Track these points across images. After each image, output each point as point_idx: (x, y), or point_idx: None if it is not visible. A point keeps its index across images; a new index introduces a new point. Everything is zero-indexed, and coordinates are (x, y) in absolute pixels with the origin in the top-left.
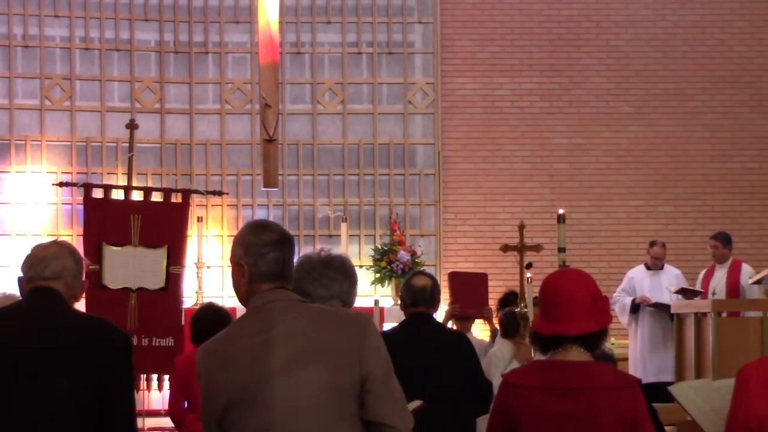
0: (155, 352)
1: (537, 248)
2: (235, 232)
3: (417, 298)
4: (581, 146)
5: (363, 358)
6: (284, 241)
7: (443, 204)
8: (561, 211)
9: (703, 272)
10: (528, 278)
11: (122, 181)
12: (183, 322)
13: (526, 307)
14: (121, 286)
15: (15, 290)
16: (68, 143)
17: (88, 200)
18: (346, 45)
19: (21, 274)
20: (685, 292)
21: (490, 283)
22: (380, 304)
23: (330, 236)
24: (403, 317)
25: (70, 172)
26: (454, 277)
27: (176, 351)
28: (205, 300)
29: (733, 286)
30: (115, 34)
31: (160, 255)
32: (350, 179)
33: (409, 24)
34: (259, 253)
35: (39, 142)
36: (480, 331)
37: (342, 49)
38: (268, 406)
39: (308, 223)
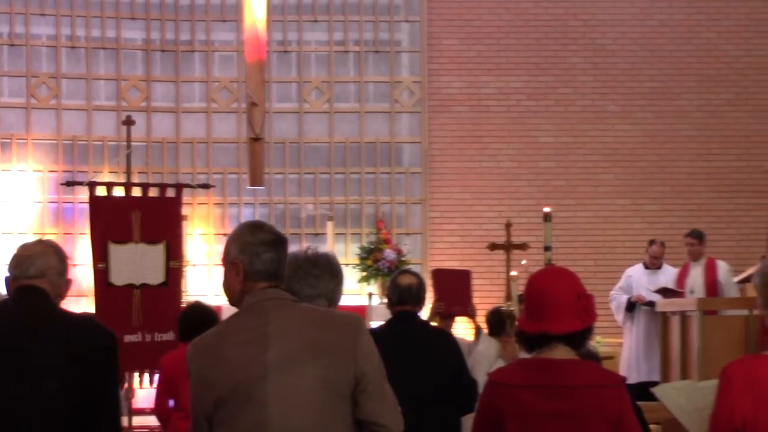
0: (159, 348)
1: (523, 247)
2: (221, 231)
3: (403, 296)
4: (568, 145)
5: (357, 359)
6: (279, 242)
7: (429, 202)
8: (547, 210)
9: (677, 271)
10: (513, 276)
11: (108, 179)
12: None
13: (512, 305)
14: (125, 283)
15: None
16: (54, 141)
17: (93, 199)
18: (332, 43)
19: (8, 274)
20: (665, 292)
21: (476, 281)
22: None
23: (316, 235)
24: (389, 316)
25: (56, 171)
26: (438, 275)
27: (176, 345)
28: (191, 298)
29: (712, 284)
30: (101, 32)
31: (160, 250)
32: (336, 178)
33: (396, 22)
34: (255, 252)
35: (25, 141)
36: (464, 329)
37: (329, 47)
38: (262, 404)
39: (294, 222)
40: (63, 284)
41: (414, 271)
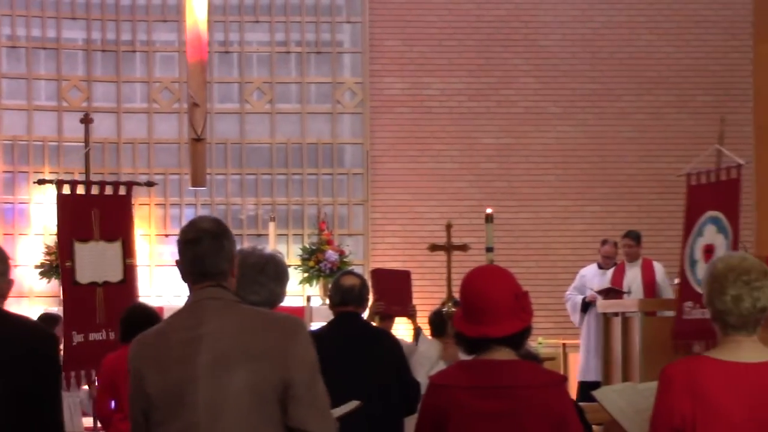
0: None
1: (464, 248)
2: (163, 232)
3: (345, 297)
4: (509, 146)
5: (287, 363)
6: (197, 239)
7: (371, 203)
8: (489, 211)
9: (611, 271)
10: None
11: (50, 179)
12: None
13: (453, 306)
14: (89, 281)
15: None
16: None
17: (60, 197)
18: (274, 44)
19: None
20: (608, 292)
21: (418, 282)
22: (311, 303)
23: (258, 236)
24: (331, 317)
25: None
26: (378, 275)
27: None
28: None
29: (650, 285)
30: (42, 32)
31: (118, 248)
32: (278, 178)
33: (338, 23)
34: (181, 251)
35: None
36: (403, 329)
37: (270, 48)
38: (193, 407)
39: (236, 223)
40: (4, 285)
41: (357, 272)
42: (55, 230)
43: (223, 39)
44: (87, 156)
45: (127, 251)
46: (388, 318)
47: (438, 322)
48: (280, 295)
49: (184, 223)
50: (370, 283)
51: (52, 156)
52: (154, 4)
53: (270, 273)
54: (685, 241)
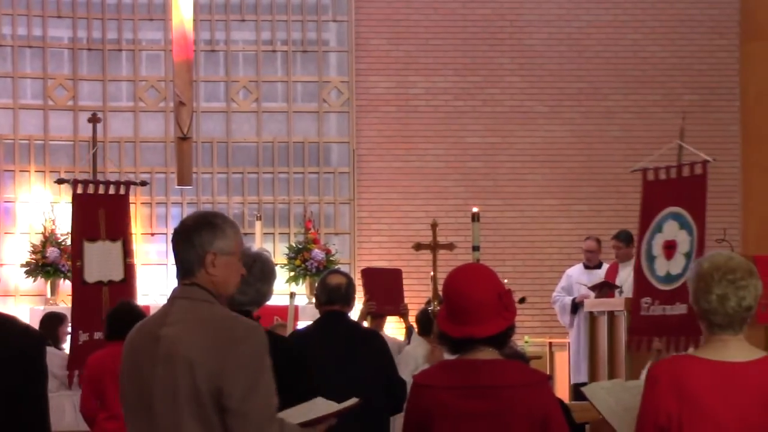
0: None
1: (450, 247)
2: (149, 231)
3: (332, 296)
4: (495, 145)
5: (222, 371)
6: (174, 237)
7: (358, 203)
8: (475, 210)
9: (601, 271)
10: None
11: (36, 178)
12: None
13: (440, 305)
14: (96, 280)
15: None
16: None
17: (75, 197)
18: (260, 43)
19: None
20: (603, 286)
21: (404, 281)
22: (295, 301)
23: (245, 234)
24: (318, 316)
25: None
26: (368, 274)
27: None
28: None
29: None
30: (27, 30)
31: (119, 247)
32: (265, 177)
33: (324, 22)
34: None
35: None
36: (395, 329)
37: (256, 47)
38: (149, 406)
39: None
40: None
41: (343, 271)
42: (40, 229)
43: (210, 38)
44: (94, 156)
45: (127, 251)
46: (379, 317)
47: (425, 320)
48: (267, 294)
49: (170, 222)
50: (360, 283)
51: (38, 154)
52: (140, 2)
53: (257, 272)
54: (641, 237)
